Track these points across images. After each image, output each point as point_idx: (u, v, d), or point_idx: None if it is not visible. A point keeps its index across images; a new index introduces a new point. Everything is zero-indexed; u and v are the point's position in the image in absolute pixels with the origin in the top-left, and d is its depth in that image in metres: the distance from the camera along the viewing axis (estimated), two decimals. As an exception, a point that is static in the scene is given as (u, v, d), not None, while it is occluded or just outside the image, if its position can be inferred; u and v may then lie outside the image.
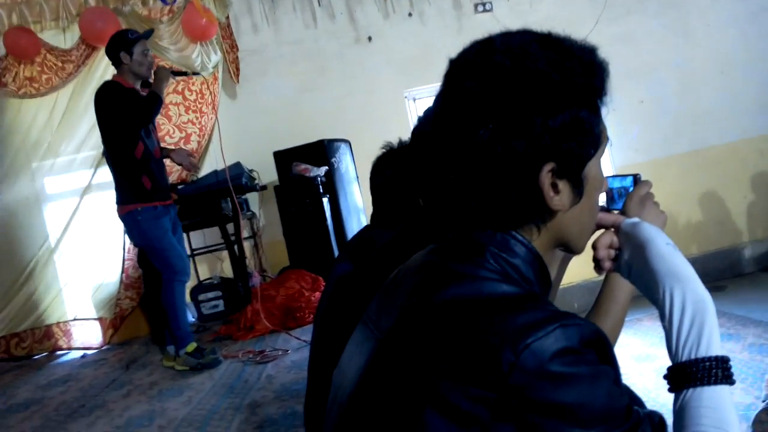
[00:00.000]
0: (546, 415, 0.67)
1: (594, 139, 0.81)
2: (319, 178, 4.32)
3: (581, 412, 0.67)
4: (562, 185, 0.79)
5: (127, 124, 3.20)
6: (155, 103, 3.20)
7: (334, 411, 0.89)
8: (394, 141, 1.91)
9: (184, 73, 3.77)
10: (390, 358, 0.78)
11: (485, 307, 0.73)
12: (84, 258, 4.59)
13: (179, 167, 4.23)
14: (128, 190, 3.28)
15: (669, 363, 0.80)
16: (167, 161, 3.54)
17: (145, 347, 4.07)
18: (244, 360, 3.30)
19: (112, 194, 3.39)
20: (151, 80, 3.33)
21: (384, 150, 1.89)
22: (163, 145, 3.75)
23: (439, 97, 0.82)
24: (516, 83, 0.75)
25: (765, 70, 5.56)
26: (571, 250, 0.88)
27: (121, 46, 3.28)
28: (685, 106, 5.52)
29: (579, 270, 1.53)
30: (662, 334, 0.82)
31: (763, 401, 2.81)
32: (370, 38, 5.30)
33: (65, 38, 4.65)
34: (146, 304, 4.40)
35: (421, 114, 1.30)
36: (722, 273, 5.31)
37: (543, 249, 0.83)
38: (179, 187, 4.29)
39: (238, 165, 4.30)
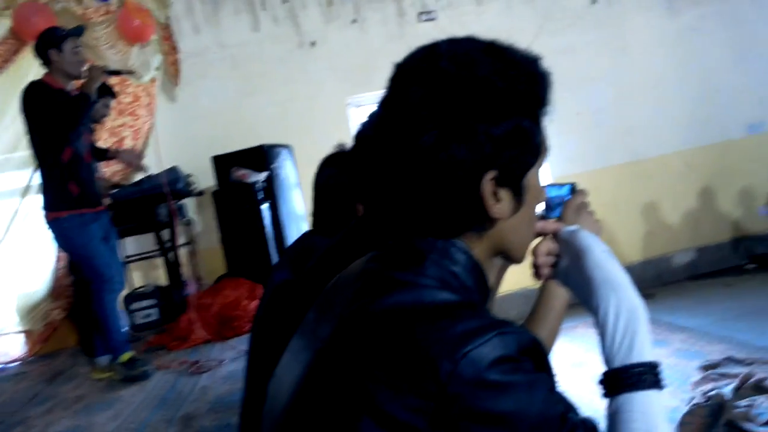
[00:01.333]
0: (483, 424, 0.67)
1: (535, 148, 0.81)
2: (258, 184, 4.26)
3: (518, 420, 0.67)
4: (503, 194, 0.79)
5: (53, 127, 3.07)
6: (84, 104, 3.07)
7: (269, 422, 0.87)
8: (343, 143, 1.90)
9: (119, 72, 3.65)
10: (327, 367, 0.77)
11: (424, 315, 0.72)
12: (8, 266, 4.38)
13: (120, 167, 4.10)
14: (54, 196, 3.16)
15: (603, 369, 0.82)
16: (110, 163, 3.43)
17: (72, 359, 3.91)
18: (177, 371, 3.22)
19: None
20: (83, 79, 3.21)
21: (335, 149, 1.87)
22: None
23: (384, 102, 0.82)
24: (460, 90, 0.75)
25: (692, 86, 5.82)
26: (510, 258, 0.89)
27: (50, 43, 3.15)
28: (619, 119, 5.72)
29: (517, 278, 1.55)
30: (597, 341, 0.84)
31: (688, 404, 2.92)
32: (313, 43, 5.28)
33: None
34: (76, 313, 4.23)
35: (364, 119, 1.29)
36: (652, 281, 5.50)
37: (483, 257, 0.83)
38: (114, 191, 4.16)
39: (174, 169, 4.20)
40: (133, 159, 3.41)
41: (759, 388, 3.02)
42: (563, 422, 0.71)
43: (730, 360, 3.54)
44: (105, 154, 3.66)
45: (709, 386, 3.26)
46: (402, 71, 0.80)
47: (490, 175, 0.77)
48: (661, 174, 5.81)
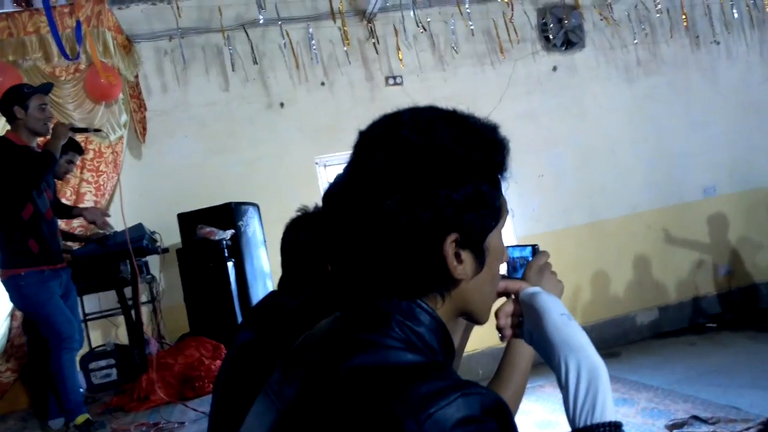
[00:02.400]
0: None
1: (495, 211, 0.84)
2: (224, 242, 4.22)
3: None
4: (465, 255, 0.81)
5: (15, 184, 3.02)
6: (48, 162, 3.05)
7: None
8: (304, 206, 1.90)
9: (85, 130, 3.64)
10: (292, 430, 0.76)
11: (389, 376, 0.72)
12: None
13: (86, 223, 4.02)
14: (13, 253, 3.09)
15: (568, 430, 0.82)
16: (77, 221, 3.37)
17: (23, 422, 3.73)
18: (135, 433, 3.10)
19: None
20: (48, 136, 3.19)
21: (298, 213, 1.88)
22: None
23: (349, 167, 0.84)
24: (422, 157, 0.78)
25: (649, 150, 6.05)
26: (473, 319, 0.90)
27: (15, 100, 3.14)
28: (581, 181, 5.87)
29: (483, 337, 1.55)
30: (561, 401, 0.84)
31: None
32: (282, 104, 5.36)
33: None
34: (28, 374, 4.06)
35: (331, 180, 1.30)
36: (616, 339, 5.55)
37: (447, 317, 0.84)
38: (75, 248, 4.07)
39: (139, 226, 4.14)
40: (97, 217, 3.36)
41: (724, 448, 3.04)
42: None
43: (696, 419, 3.57)
44: (70, 212, 3.61)
45: (675, 445, 3.28)
46: (366, 139, 0.83)
47: (452, 237, 0.79)
48: (622, 234, 5.95)
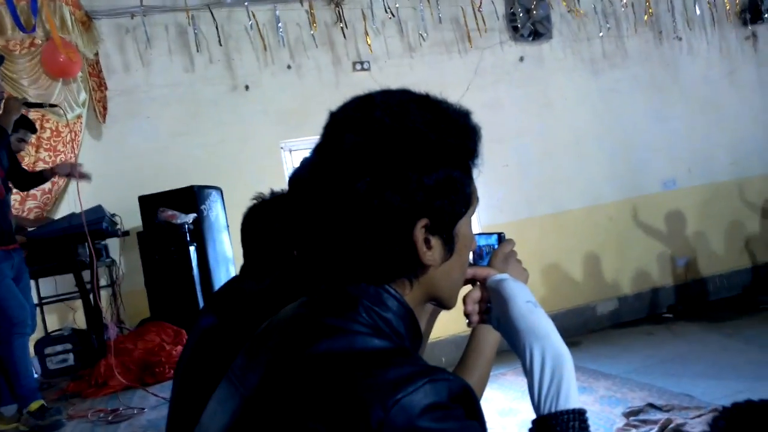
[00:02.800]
0: None
1: (465, 198, 0.83)
2: (186, 226, 4.15)
3: None
4: (435, 241, 0.80)
5: None
6: None
7: None
8: (268, 191, 1.88)
9: (40, 105, 3.52)
10: (256, 416, 0.75)
11: (356, 361, 0.72)
12: None
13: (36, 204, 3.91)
14: None
15: (531, 416, 0.83)
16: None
17: (-26, 408, 3.63)
18: (93, 420, 3.03)
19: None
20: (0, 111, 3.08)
21: (255, 200, 1.86)
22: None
23: (318, 148, 0.83)
24: (394, 139, 0.77)
25: (612, 142, 6.16)
26: (441, 304, 0.90)
27: None
28: (545, 172, 5.94)
29: (447, 325, 1.55)
30: (525, 388, 0.85)
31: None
32: (247, 87, 5.28)
33: None
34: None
35: (297, 164, 1.28)
36: (577, 329, 5.66)
37: (414, 303, 0.84)
38: (30, 229, 3.96)
39: (98, 208, 4.04)
40: (72, 170, 3.27)
41: (677, 434, 3.12)
42: None
43: (651, 406, 3.66)
44: (41, 177, 3.51)
45: (632, 432, 3.36)
46: (337, 120, 0.82)
47: (422, 222, 0.78)
48: (585, 225, 6.05)
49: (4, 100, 3.10)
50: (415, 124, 0.78)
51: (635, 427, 3.47)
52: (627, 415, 3.65)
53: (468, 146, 0.83)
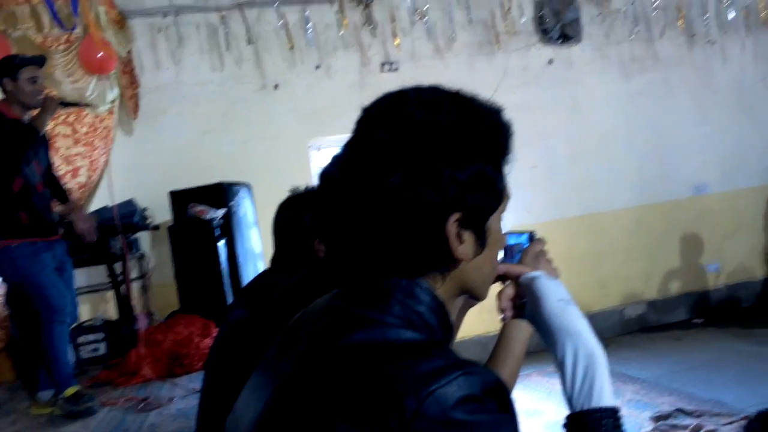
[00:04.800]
0: None
1: (497, 194, 0.85)
2: (216, 221, 4.21)
3: None
4: (467, 236, 0.81)
5: (2, 157, 3.00)
6: (30, 138, 3.01)
7: None
8: (296, 188, 1.92)
9: (75, 104, 3.60)
10: (289, 404, 0.76)
11: (390, 353, 0.73)
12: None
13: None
14: (4, 225, 3.08)
15: (557, 418, 0.84)
16: None
17: (10, 393, 3.73)
18: (124, 408, 3.10)
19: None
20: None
21: (290, 193, 1.89)
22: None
23: (350, 144, 0.84)
24: (427, 134, 0.78)
25: (641, 146, 6.10)
26: (474, 297, 0.91)
27: (5, 71, 3.10)
28: (573, 174, 5.91)
29: (472, 326, 1.56)
30: (551, 389, 0.86)
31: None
32: (276, 86, 5.33)
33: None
34: (13, 346, 4.05)
35: (326, 161, 1.30)
36: (604, 332, 5.60)
37: (446, 297, 0.84)
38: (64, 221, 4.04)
39: (130, 202, 4.13)
40: (88, 230, 3.30)
41: (708, 439, 3.09)
42: None
43: (681, 412, 3.62)
44: (63, 199, 3.52)
45: (660, 436, 3.33)
46: (370, 115, 0.83)
47: (455, 217, 0.79)
48: (613, 229, 6.00)
49: (43, 99, 3.17)
50: (448, 119, 0.79)
51: (664, 431, 3.44)
52: (655, 419, 3.61)
53: (500, 142, 0.84)
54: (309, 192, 1.88)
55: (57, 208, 3.46)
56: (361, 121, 0.84)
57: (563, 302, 0.90)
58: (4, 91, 3.13)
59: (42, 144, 3.30)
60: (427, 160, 0.77)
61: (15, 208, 3.07)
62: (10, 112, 3.10)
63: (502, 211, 0.88)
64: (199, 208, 4.22)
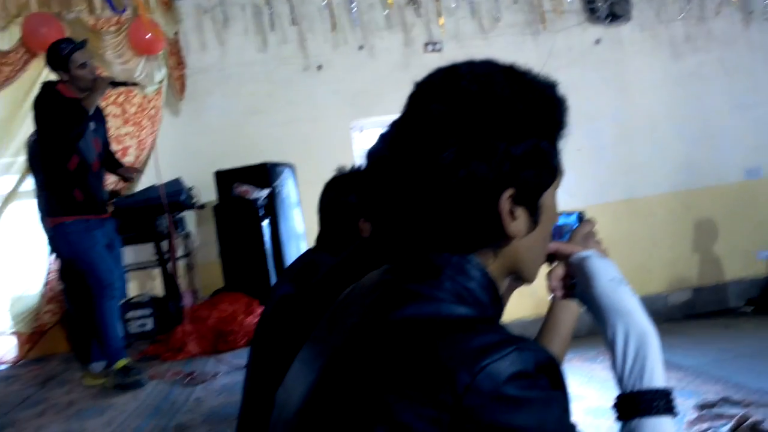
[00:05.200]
0: None
1: (552, 170, 0.84)
2: (260, 201, 4.27)
3: None
4: (520, 212, 0.80)
5: (58, 136, 3.09)
6: (80, 118, 3.08)
7: (278, 430, 0.86)
8: (338, 169, 1.92)
9: (124, 84, 3.67)
10: (341, 376, 0.76)
11: (442, 327, 0.73)
12: (4, 269, 4.37)
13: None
14: (59, 202, 3.19)
15: (598, 404, 0.83)
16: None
17: (65, 364, 3.88)
18: (171, 381, 3.19)
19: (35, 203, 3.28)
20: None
21: (336, 173, 1.90)
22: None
23: (401, 120, 0.83)
24: (481, 108, 0.77)
25: (691, 129, 5.92)
26: (523, 278, 0.89)
27: (56, 64, 3.18)
28: (619, 157, 5.79)
29: (514, 310, 1.56)
30: (592, 374, 0.85)
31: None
32: (319, 67, 5.34)
33: (2, 39, 4.47)
34: (67, 319, 4.20)
35: (367, 143, 1.30)
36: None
37: (497, 275, 0.84)
38: (113, 200, 4.16)
39: (177, 181, 4.21)
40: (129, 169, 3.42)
41: (755, 430, 3.02)
42: None
43: (726, 401, 3.54)
44: (115, 169, 3.61)
45: (705, 426, 3.26)
46: (422, 89, 0.82)
47: (508, 193, 0.78)
48: (659, 213, 5.88)
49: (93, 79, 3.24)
50: (503, 93, 0.77)
51: (709, 420, 3.37)
52: (700, 407, 3.54)
53: (555, 117, 0.83)
54: (355, 172, 1.88)
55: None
56: (413, 96, 0.82)
57: (614, 281, 0.88)
58: (61, 79, 3.22)
59: (100, 121, 3.39)
60: (482, 135, 0.76)
61: (70, 186, 3.17)
62: (69, 92, 3.18)
63: (556, 187, 0.87)
64: (244, 187, 4.28)
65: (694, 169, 5.93)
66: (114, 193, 4.31)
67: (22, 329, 4.29)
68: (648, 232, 5.86)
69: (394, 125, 0.84)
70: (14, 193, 4.38)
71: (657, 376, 0.81)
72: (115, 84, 3.46)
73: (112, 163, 3.59)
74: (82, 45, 3.27)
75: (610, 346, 0.84)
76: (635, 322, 0.84)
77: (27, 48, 4.42)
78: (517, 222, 0.80)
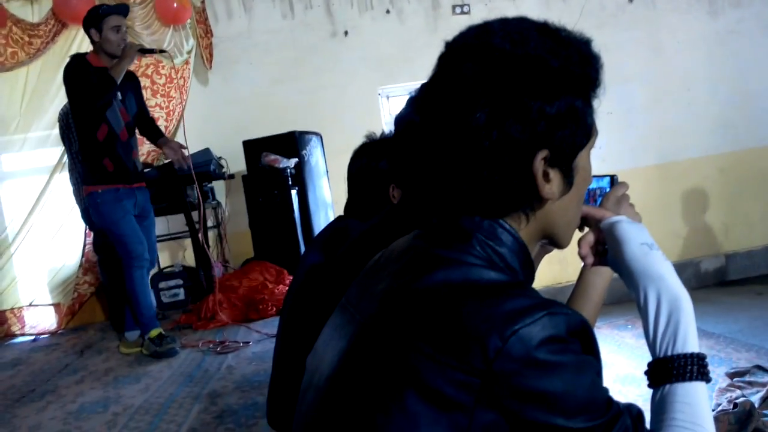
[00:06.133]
0: (529, 403, 0.67)
1: (587, 129, 0.81)
2: (288, 170, 4.29)
3: (564, 401, 0.67)
4: (554, 174, 0.79)
5: (87, 105, 3.12)
6: (107, 86, 3.10)
7: (310, 395, 0.87)
8: (365, 136, 1.91)
9: (152, 51, 3.67)
10: (373, 341, 0.77)
11: (472, 292, 0.72)
12: (43, 241, 4.48)
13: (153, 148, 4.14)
14: (91, 171, 3.24)
15: (627, 372, 0.82)
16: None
17: (101, 333, 4.00)
18: (203, 350, 3.27)
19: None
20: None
21: (366, 139, 1.89)
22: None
23: (432, 81, 0.81)
24: (515, 67, 0.74)
25: (727, 90, 5.74)
26: (556, 243, 0.88)
27: (90, 22, 3.20)
28: (652, 120, 5.66)
29: (542, 276, 1.55)
30: (621, 341, 0.84)
31: (714, 411, 2.89)
32: (346, 33, 5.28)
33: (33, 11, 4.52)
34: (103, 289, 4.31)
35: (402, 106, 1.28)
36: (680, 285, 5.42)
37: (529, 239, 0.83)
38: (146, 170, 4.21)
39: (206, 151, 4.24)
40: (178, 155, 3.40)
41: (787, 397, 2.98)
42: (609, 406, 0.71)
43: (759, 368, 3.49)
44: (156, 138, 3.59)
45: (735, 393, 3.22)
46: (453, 49, 0.80)
47: (542, 154, 0.76)
48: (693, 178, 5.75)
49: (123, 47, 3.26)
50: (537, 50, 0.75)
51: (740, 388, 3.33)
52: (731, 375, 3.50)
53: (590, 75, 0.80)
54: (384, 138, 1.87)
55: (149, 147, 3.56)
56: (443, 56, 0.81)
57: (646, 246, 0.86)
58: (92, 42, 3.24)
59: (130, 89, 3.40)
60: (515, 94, 0.74)
61: (100, 156, 3.21)
62: (98, 61, 3.21)
63: (591, 147, 0.85)
64: (272, 157, 4.29)
65: (729, 132, 5.77)
66: (145, 165, 4.37)
67: (62, 300, 4.42)
68: (681, 198, 5.74)
69: (424, 88, 0.83)
70: (60, 164, 4.46)
71: (690, 341, 0.80)
72: (144, 51, 3.47)
73: (151, 132, 3.58)
74: (122, 9, 3.29)
75: (643, 312, 0.83)
76: (667, 287, 0.82)
77: (57, 19, 4.46)
78: (551, 184, 0.79)
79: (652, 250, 0.86)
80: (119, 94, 3.27)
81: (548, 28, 0.80)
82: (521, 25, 0.79)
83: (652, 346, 0.82)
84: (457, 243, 0.79)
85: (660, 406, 0.79)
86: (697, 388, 0.78)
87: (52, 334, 4.26)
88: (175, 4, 4.50)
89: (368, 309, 0.81)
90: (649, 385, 0.82)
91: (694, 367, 0.78)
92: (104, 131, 3.21)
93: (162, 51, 3.84)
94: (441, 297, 0.73)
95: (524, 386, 0.66)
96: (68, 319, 4.36)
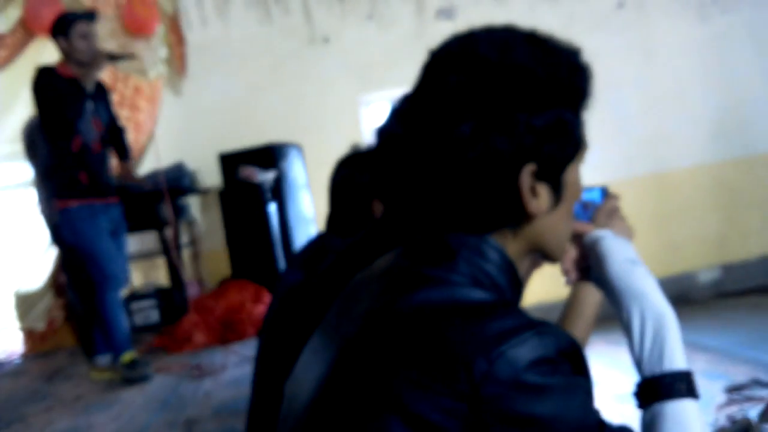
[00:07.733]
0: (518, 428, 0.66)
1: (575, 142, 0.82)
2: (266, 184, 4.28)
3: (555, 424, 0.67)
4: (541, 189, 0.79)
5: (54, 117, 3.11)
6: (77, 96, 3.10)
7: (289, 422, 0.86)
8: (346, 147, 1.92)
9: (122, 56, 3.67)
10: (353, 366, 0.76)
11: (457, 313, 0.72)
12: (7, 262, 4.43)
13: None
14: (63, 186, 3.22)
15: (622, 388, 0.83)
16: None
17: (71, 358, 3.95)
18: (179, 374, 3.24)
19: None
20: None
21: (350, 151, 1.90)
22: None
23: (416, 91, 0.82)
24: (501, 77, 0.75)
25: (721, 95, 5.82)
26: (548, 257, 0.88)
27: (57, 30, 3.20)
28: (644, 128, 5.72)
29: (534, 292, 1.56)
30: (616, 357, 0.85)
31: (712, 427, 2.91)
32: (326, 39, 5.31)
33: (-1, 21, 4.50)
34: (72, 311, 4.26)
35: (385, 116, 1.28)
36: (675, 298, 5.42)
37: (516, 256, 0.82)
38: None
39: (180, 166, 4.23)
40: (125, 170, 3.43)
41: (787, 413, 3.02)
42: (601, 429, 0.71)
43: (757, 383, 3.53)
44: (123, 156, 3.60)
45: (734, 409, 3.26)
46: (438, 58, 0.80)
47: (530, 168, 0.76)
48: (687, 187, 5.81)
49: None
50: (524, 60, 0.76)
51: (739, 403, 3.38)
52: (729, 390, 3.54)
53: (579, 85, 0.81)
54: (367, 150, 1.87)
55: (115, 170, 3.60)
56: (427, 66, 0.81)
57: (629, 262, 0.87)
58: (61, 50, 3.23)
59: (102, 99, 3.40)
60: (501, 106, 0.74)
61: (75, 169, 3.20)
62: (68, 70, 3.20)
63: (580, 161, 0.85)
64: (250, 170, 4.28)
65: (724, 139, 5.84)
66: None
67: (31, 325, 4.35)
68: (675, 208, 5.79)
69: (407, 99, 0.83)
70: (24, 181, 4.41)
71: (677, 359, 0.81)
72: (113, 57, 3.46)
73: (118, 146, 3.57)
74: (90, 16, 3.28)
75: (627, 331, 0.84)
76: (651, 304, 0.84)
77: (25, 30, 4.43)
78: (539, 199, 0.79)
79: (636, 267, 0.88)
80: (90, 104, 3.26)
81: (536, 37, 0.80)
82: (508, 34, 0.80)
83: (638, 366, 0.83)
84: (441, 261, 0.79)
85: (650, 426, 0.80)
86: (687, 405, 0.80)
87: (19, 359, 4.21)
88: (141, 13, 4.49)
89: (348, 331, 0.80)
90: (638, 407, 0.83)
91: (682, 384, 0.80)
92: (78, 143, 3.20)
93: (130, 55, 3.83)
94: (424, 318, 0.72)
95: (513, 411, 0.66)
96: (34, 342, 4.31)
